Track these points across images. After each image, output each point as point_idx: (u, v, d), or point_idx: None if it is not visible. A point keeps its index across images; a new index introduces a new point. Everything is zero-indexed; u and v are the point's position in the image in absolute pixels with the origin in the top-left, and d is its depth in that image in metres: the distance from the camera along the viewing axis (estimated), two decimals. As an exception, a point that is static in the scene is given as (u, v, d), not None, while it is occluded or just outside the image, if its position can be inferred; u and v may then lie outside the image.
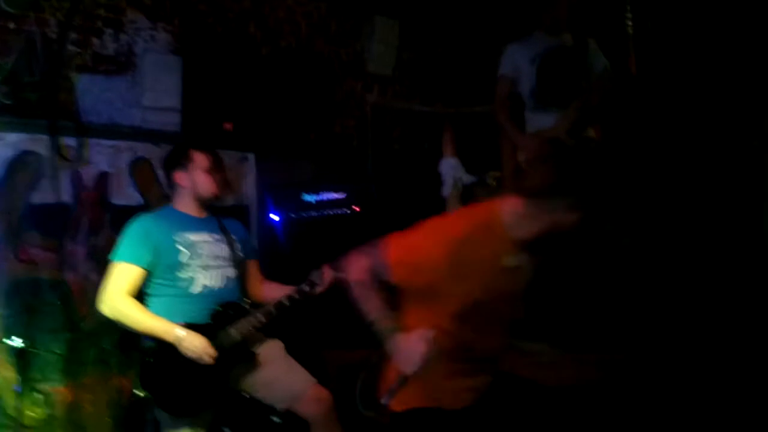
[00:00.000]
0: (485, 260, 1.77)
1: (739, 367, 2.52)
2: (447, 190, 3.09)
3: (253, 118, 3.87)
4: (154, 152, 3.44)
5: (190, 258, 2.40)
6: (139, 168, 3.39)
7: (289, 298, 2.44)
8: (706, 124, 3.31)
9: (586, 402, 2.10)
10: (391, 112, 4.50)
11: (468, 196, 3.18)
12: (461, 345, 1.80)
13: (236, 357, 2.38)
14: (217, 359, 2.30)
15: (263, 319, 2.41)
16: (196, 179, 2.51)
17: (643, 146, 3.61)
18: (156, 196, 3.37)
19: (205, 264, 2.42)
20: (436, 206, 3.42)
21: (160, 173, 3.38)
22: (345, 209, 3.57)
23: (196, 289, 2.39)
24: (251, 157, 3.87)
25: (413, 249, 1.81)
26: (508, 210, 1.80)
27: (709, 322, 2.72)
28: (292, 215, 3.56)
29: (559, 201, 1.71)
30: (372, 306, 1.78)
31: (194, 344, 2.27)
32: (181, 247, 2.41)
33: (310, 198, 3.61)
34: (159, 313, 2.35)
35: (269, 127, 3.94)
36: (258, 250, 2.71)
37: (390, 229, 3.61)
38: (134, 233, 2.41)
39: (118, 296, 2.31)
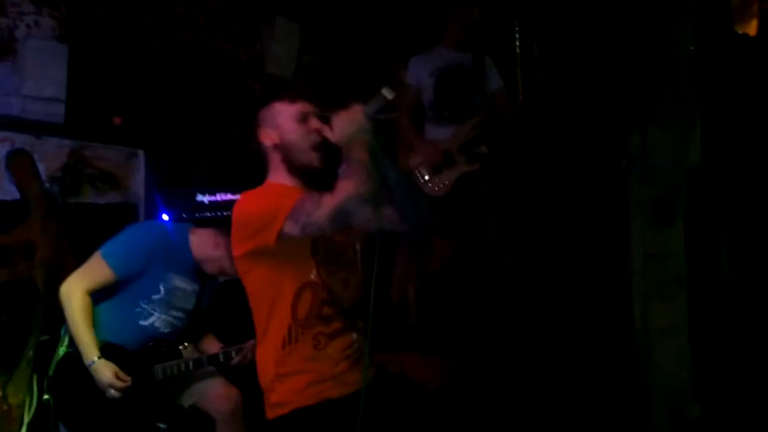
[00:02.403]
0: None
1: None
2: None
3: (145, 113, 3.73)
4: (34, 144, 3.24)
5: (161, 299, 2.34)
6: (16, 161, 3.17)
7: (225, 354, 2.41)
8: (581, 144, 3.60)
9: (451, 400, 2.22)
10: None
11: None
12: (331, 297, 1.82)
13: (150, 394, 2.32)
14: (129, 391, 2.24)
15: (191, 366, 2.37)
16: (214, 260, 2.38)
17: (525, 165, 3.87)
18: (35, 191, 3.16)
19: (167, 310, 2.37)
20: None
21: (41, 166, 3.20)
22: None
23: (145, 323, 2.33)
24: (141, 153, 3.73)
25: (252, 216, 1.84)
26: (275, 174, 1.98)
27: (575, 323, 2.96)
28: (185, 215, 3.47)
29: None
30: None
31: (100, 374, 2.20)
32: (162, 287, 2.33)
33: (203, 198, 3.53)
34: (102, 314, 2.27)
35: (162, 124, 3.81)
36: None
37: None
38: (136, 241, 2.31)
39: (77, 290, 2.22)
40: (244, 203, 1.90)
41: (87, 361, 2.20)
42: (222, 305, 2.76)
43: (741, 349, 2.64)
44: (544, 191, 3.71)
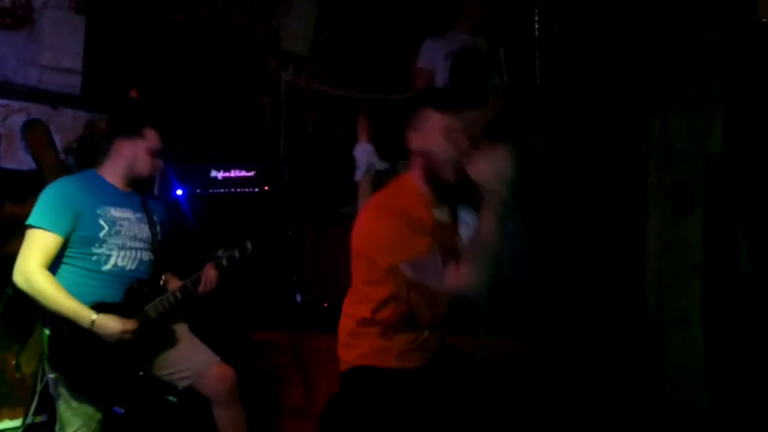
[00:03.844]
0: (419, 218, 1.88)
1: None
2: (360, 175, 3.12)
3: (161, 86, 3.72)
4: (50, 115, 3.24)
5: (109, 235, 2.29)
6: (33, 131, 3.17)
7: (181, 289, 2.40)
8: (600, 128, 3.55)
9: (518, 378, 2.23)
10: (306, 93, 4.47)
11: (380, 182, 3.23)
12: (411, 313, 1.91)
13: (152, 334, 2.32)
14: (134, 339, 2.23)
15: (179, 296, 2.36)
16: (138, 156, 2.37)
17: (545, 152, 3.82)
18: (50, 162, 3.17)
19: (122, 243, 2.32)
20: (347, 190, 3.45)
21: (57, 137, 3.20)
22: (254, 188, 3.52)
23: (107, 266, 2.28)
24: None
25: (379, 235, 1.90)
26: (414, 173, 1.96)
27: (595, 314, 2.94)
28: (198, 191, 3.47)
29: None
30: None
31: (109, 327, 2.18)
32: (102, 222, 2.28)
33: (217, 174, 3.53)
34: (66, 285, 2.22)
35: (177, 98, 3.80)
36: (174, 237, 2.63)
37: (299, 210, 3.63)
38: (56, 198, 2.25)
39: (34, 268, 2.17)
40: (375, 216, 1.95)
41: (86, 324, 2.16)
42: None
43: (756, 341, 2.62)
44: (561, 176, 3.67)
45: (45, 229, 2.20)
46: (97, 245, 2.27)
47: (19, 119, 3.18)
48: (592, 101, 3.67)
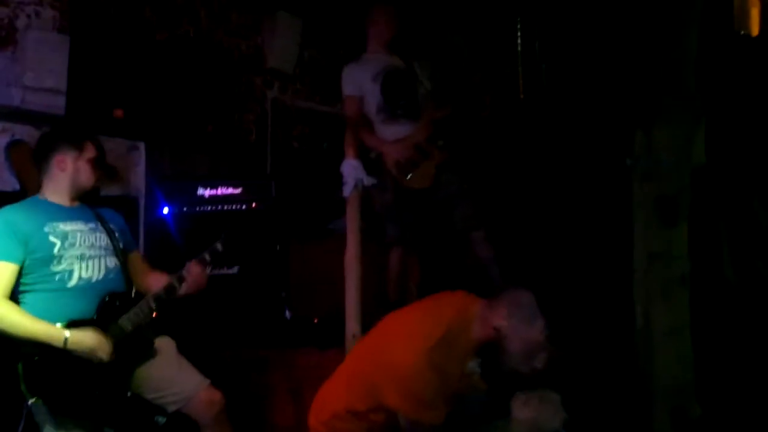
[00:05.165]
0: (452, 375, 1.94)
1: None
2: (348, 191, 3.11)
3: (146, 105, 3.71)
4: (34, 135, 3.20)
5: (64, 248, 2.23)
6: (16, 151, 3.15)
7: (166, 289, 2.34)
8: (584, 142, 3.59)
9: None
10: (292, 109, 4.47)
11: (367, 197, 3.24)
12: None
13: (133, 349, 2.26)
14: (113, 353, 2.18)
15: (153, 305, 2.29)
16: (80, 167, 2.34)
17: (526, 162, 3.86)
18: (35, 183, 3.11)
19: (81, 254, 2.25)
20: (335, 206, 3.45)
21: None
22: (241, 205, 3.51)
23: (72, 282, 2.22)
24: (142, 146, 3.71)
25: (408, 381, 1.91)
26: (477, 311, 1.99)
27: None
28: (185, 209, 3.45)
29: None
30: None
31: (84, 343, 2.13)
32: (53, 238, 2.23)
33: (204, 192, 3.51)
34: (35, 312, 2.16)
35: (163, 117, 3.79)
36: (135, 241, 2.58)
37: (286, 227, 3.63)
38: (0, 227, 2.20)
39: None
40: (416, 362, 1.91)
41: (59, 343, 2.10)
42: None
43: (743, 350, 2.64)
44: (546, 189, 3.70)
45: None
46: (55, 263, 2.22)
47: (2, 140, 3.16)
48: (576, 114, 3.71)
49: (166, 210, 3.44)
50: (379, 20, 3.31)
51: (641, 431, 2.42)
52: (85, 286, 2.24)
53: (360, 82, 3.22)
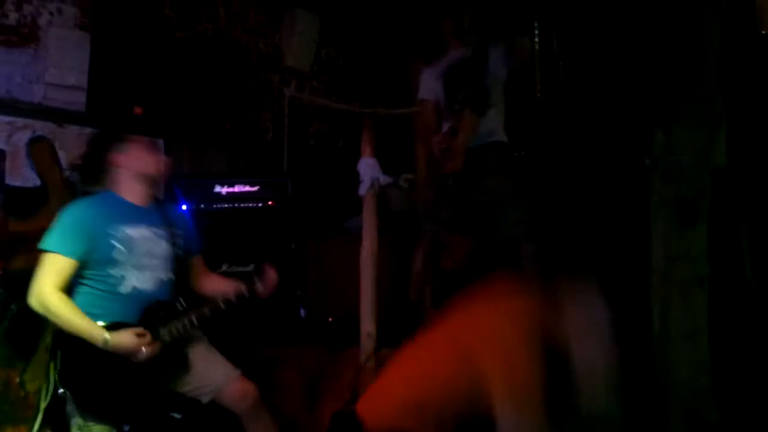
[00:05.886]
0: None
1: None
2: (364, 189, 3.11)
3: (165, 103, 3.74)
4: (55, 132, 3.25)
5: (123, 254, 2.27)
6: (37, 148, 3.18)
7: (225, 300, 2.37)
8: (602, 141, 3.55)
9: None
10: (309, 107, 4.48)
11: (383, 196, 3.24)
12: None
13: (165, 358, 2.29)
14: (151, 356, 2.23)
15: (195, 322, 2.33)
16: (140, 157, 2.36)
17: (544, 162, 3.82)
18: (55, 179, 3.17)
19: (139, 263, 2.29)
20: (351, 205, 3.46)
21: (62, 154, 3.21)
22: (258, 203, 3.52)
23: (125, 289, 2.27)
24: (161, 143, 3.73)
25: None
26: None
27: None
28: (202, 206, 3.48)
29: None
30: None
31: (123, 343, 2.18)
32: (116, 243, 2.26)
33: (221, 189, 3.53)
34: (82, 306, 2.22)
35: (181, 114, 3.82)
36: (201, 244, 2.59)
37: (302, 225, 3.63)
38: (68, 222, 2.25)
39: (48, 291, 2.17)
40: None
41: (99, 343, 2.16)
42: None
43: (762, 354, 2.60)
44: (564, 189, 3.67)
45: (58, 253, 2.21)
46: (111, 266, 2.26)
47: (24, 136, 3.19)
48: (596, 114, 3.67)
49: (184, 207, 3.46)
50: (443, 15, 3.18)
51: (657, 434, 2.39)
52: (135, 294, 2.28)
53: (430, 84, 3.15)
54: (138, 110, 3.56)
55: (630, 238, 2.94)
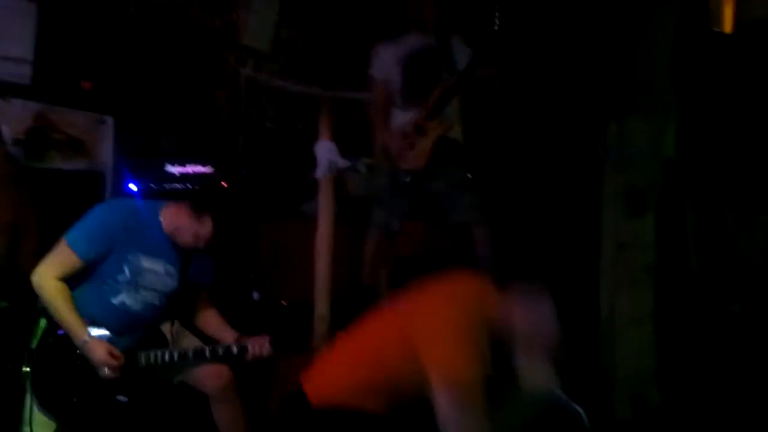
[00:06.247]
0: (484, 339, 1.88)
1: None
2: (321, 172, 3.10)
3: (115, 78, 3.62)
4: (-2, 105, 3.11)
5: (127, 281, 2.30)
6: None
7: (211, 352, 2.34)
8: (559, 133, 3.61)
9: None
10: (266, 89, 4.41)
11: (340, 180, 3.22)
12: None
13: (129, 380, 2.28)
14: (116, 374, 2.23)
15: (175, 359, 2.32)
16: (186, 232, 2.34)
17: (497, 150, 3.86)
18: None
19: (137, 289, 2.33)
20: (307, 188, 3.43)
21: (5, 128, 3.08)
22: (211, 184, 3.45)
23: (114, 300, 2.31)
24: (109, 120, 3.62)
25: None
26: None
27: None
28: (153, 186, 3.39)
29: None
30: None
31: (96, 353, 2.19)
32: (126, 268, 2.29)
33: (173, 169, 3.45)
34: (76, 297, 2.26)
35: (132, 91, 3.71)
36: (212, 281, 2.59)
37: (257, 207, 3.58)
38: (97, 223, 2.28)
39: (50, 275, 2.23)
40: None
41: (78, 342, 2.20)
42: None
43: (704, 338, 2.70)
44: (517, 178, 3.72)
45: (71, 249, 2.24)
46: (111, 281, 2.30)
47: (-37, 109, 3.05)
48: (551, 105, 3.73)
49: (133, 186, 3.37)
50: (415, 2, 3.16)
51: (603, 417, 2.46)
52: (121, 308, 2.32)
53: (386, 64, 3.13)
54: (86, 85, 3.44)
55: (581, 225, 3.00)
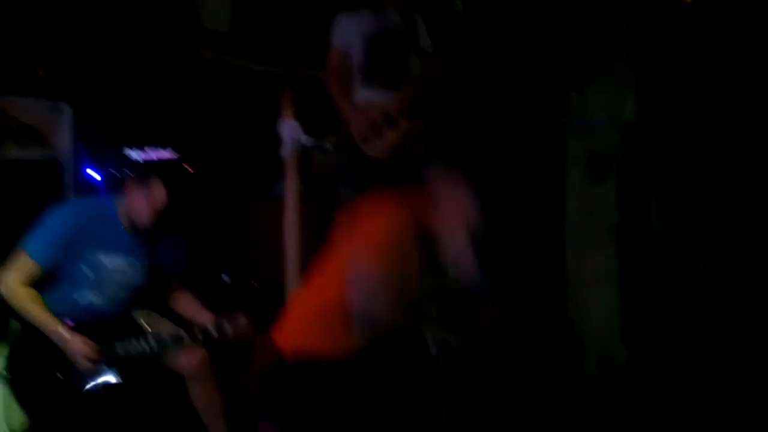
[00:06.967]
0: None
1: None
2: (286, 151, 3.08)
3: (70, 64, 3.54)
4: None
5: (89, 280, 2.30)
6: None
7: (191, 334, 2.33)
8: (523, 103, 3.64)
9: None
10: (227, 69, 4.34)
11: (306, 158, 3.20)
12: None
13: (108, 371, 2.27)
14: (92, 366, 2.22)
15: (155, 347, 2.29)
16: (141, 206, 2.30)
17: (462, 123, 3.87)
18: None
19: (101, 287, 2.32)
20: (275, 169, 3.40)
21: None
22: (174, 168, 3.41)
23: (80, 299, 2.31)
24: (66, 107, 3.54)
25: None
26: None
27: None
28: (115, 173, 3.34)
29: None
30: None
31: (73, 345, 2.19)
32: (85, 267, 2.28)
33: (133, 155, 3.40)
34: (45, 299, 2.26)
35: (89, 76, 3.63)
36: (183, 268, 2.57)
37: (225, 189, 3.55)
38: (50, 229, 2.25)
39: (15, 283, 2.25)
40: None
41: (55, 336, 2.20)
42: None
43: (667, 297, 2.78)
44: (481, 149, 3.74)
45: (30, 258, 2.24)
46: (74, 282, 2.29)
47: None
48: (515, 75, 3.75)
49: (96, 175, 3.32)
50: None
51: (573, 376, 2.52)
52: (87, 305, 2.32)
53: (347, 37, 3.06)
54: (40, 72, 3.36)
55: (546, 191, 3.04)
